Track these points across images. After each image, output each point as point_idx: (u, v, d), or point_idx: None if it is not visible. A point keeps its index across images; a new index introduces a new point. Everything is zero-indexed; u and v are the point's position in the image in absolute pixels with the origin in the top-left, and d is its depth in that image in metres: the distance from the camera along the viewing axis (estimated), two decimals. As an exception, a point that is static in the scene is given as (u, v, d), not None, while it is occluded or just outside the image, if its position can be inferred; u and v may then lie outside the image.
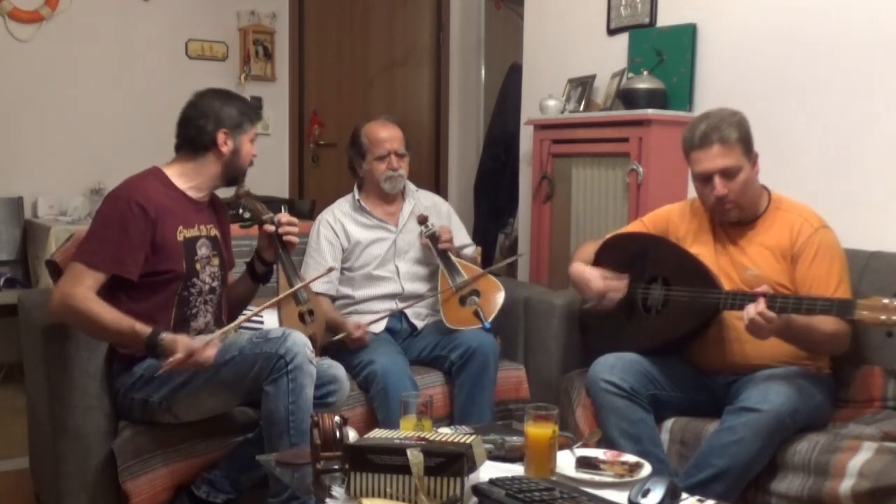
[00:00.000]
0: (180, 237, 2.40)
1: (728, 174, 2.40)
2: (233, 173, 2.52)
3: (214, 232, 2.53)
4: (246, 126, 2.50)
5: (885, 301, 2.07)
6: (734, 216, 2.48)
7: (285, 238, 2.59)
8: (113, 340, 2.34)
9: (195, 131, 2.45)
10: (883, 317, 2.06)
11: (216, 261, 2.51)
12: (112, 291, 2.31)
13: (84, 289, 2.23)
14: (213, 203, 2.59)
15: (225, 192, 2.66)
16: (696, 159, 2.43)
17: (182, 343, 2.19)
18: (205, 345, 2.21)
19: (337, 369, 2.48)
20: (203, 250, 2.46)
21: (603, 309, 2.62)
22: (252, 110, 2.58)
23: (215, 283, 2.50)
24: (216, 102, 2.48)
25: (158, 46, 4.83)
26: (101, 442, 2.35)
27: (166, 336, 2.22)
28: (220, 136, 2.45)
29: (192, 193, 2.47)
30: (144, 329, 2.22)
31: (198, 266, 2.44)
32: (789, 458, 2.18)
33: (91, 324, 2.24)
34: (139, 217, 2.30)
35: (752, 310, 2.20)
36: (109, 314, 2.22)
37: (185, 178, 2.46)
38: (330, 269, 2.92)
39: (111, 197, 2.38)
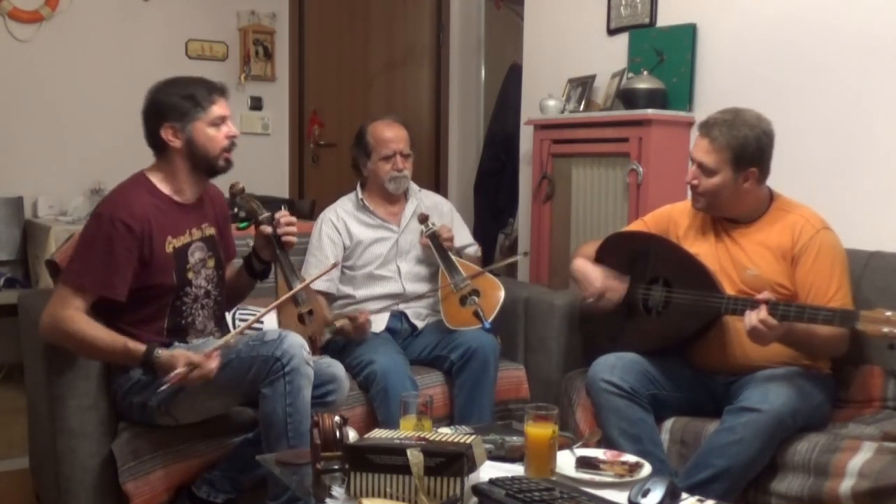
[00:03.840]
0: (169, 248, 2.33)
1: (704, 169, 2.44)
2: (203, 165, 2.34)
3: (210, 231, 2.46)
4: (194, 112, 2.28)
5: (888, 314, 2.06)
6: (700, 206, 2.52)
7: (284, 238, 2.52)
8: (107, 360, 2.30)
9: (147, 132, 2.34)
10: (885, 329, 2.05)
11: (212, 262, 2.45)
12: (101, 304, 2.28)
13: (73, 311, 2.20)
14: (208, 196, 2.49)
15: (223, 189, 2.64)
16: (695, 141, 2.50)
17: (182, 357, 2.16)
18: (206, 356, 2.17)
19: (336, 368, 2.45)
20: (196, 255, 2.40)
21: (599, 309, 2.62)
22: (199, 89, 2.31)
23: (210, 287, 2.44)
24: (156, 96, 2.31)
25: (158, 46, 4.82)
26: (101, 442, 2.34)
27: (163, 353, 2.19)
28: (167, 132, 2.29)
29: (177, 197, 2.37)
30: (138, 347, 2.20)
31: (190, 274, 2.38)
32: (789, 458, 2.18)
33: (83, 346, 2.21)
34: (125, 236, 2.23)
35: (754, 317, 2.20)
36: (102, 334, 2.20)
37: (166, 182, 2.36)
38: (334, 265, 2.89)
39: (96, 215, 2.30)
